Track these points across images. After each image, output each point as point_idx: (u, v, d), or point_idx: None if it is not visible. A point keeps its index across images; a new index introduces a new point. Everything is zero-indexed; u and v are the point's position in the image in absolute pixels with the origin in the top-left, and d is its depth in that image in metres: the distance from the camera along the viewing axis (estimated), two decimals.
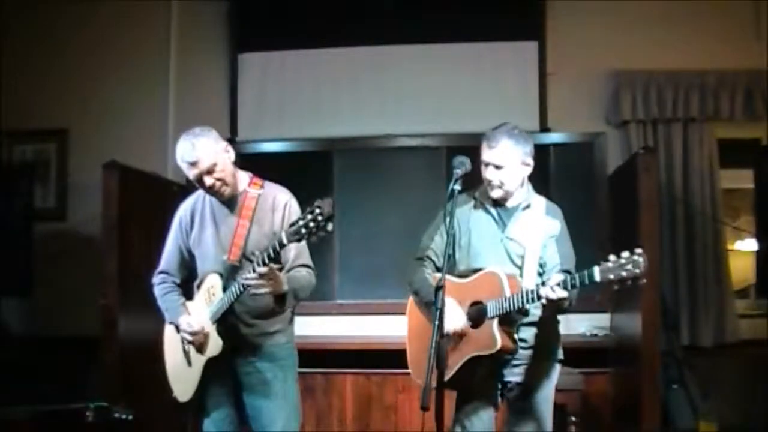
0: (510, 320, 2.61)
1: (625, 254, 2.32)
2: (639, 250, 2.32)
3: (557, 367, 2.81)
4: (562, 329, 4.39)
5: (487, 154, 2.71)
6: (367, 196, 4.67)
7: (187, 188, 4.82)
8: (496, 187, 2.71)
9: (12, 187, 4.41)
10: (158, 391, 4.37)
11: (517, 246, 2.73)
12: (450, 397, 2.60)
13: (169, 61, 5.02)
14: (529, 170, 2.76)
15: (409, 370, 2.89)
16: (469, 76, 4.77)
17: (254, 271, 2.54)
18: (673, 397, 4.23)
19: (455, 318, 2.61)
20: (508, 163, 2.69)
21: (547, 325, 2.76)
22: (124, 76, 5.02)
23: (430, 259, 2.83)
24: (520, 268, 2.70)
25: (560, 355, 2.82)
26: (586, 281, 2.38)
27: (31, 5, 5.06)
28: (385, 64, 4.87)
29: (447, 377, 2.40)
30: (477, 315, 2.62)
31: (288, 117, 4.92)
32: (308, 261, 2.83)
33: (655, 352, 3.87)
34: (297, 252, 2.78)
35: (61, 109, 5.03)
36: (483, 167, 2.74)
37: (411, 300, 2.91)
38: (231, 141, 4.85)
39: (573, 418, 3.94)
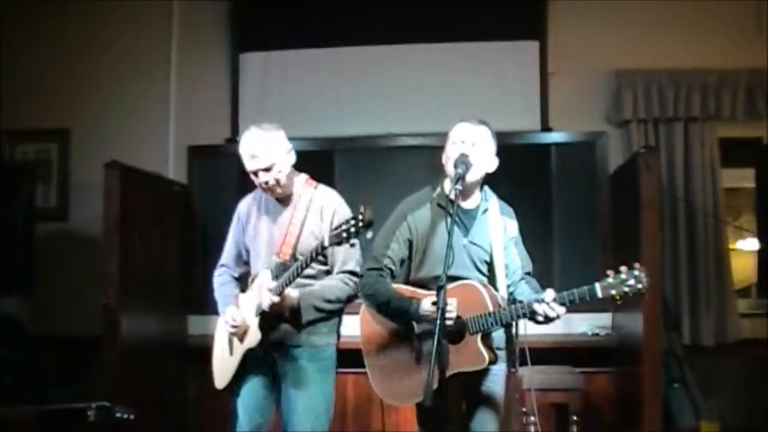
0: (489, 332, 2.56)
1: (624, 269, 2.33)
2: (638, 265, 2.33)
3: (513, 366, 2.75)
4: (563, 329, 4.48)
5: (465, 130, 2.64)
6: (368, 195, 4.58)
7: (188, 188, 4.87)
8: (461, 164, 2.56)
9: (14, 187, 4.40)
10: (159, 390, 4.41)
11: (481, 251, 2.66)
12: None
13: (171, 60, 5.02)
14: (493, 167, 2.69)
15: None
16: (471, 76, 4.77)
17: (293, 277, 2.61)
18: (675, 397, 4.23)
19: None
20: (483, 143, 2.63)
21: (507, 327, 2.68)
22: (125, 75, 5.02)
23: (389, 268, 2.69)
24: (487, 275, 2.64)
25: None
26: (587, 298, 2.37)
27: (33, 5, 5.07)
28: (386, 64, 4.87)
29: (428, 395, 2.23)
30: (457, 330, 2.50)
31: (289, 116, 4.89)
32: (353, 267, 2.83)
33: (657, 351, 3.87)
34: (345, 257, 2.81)
35: (63, 109, 5.03)
36: (451, 146, 2.65)
37: (363, 311, 2.80)
38: (232, 141, 4.87)
39: (575, 418, 3.94)
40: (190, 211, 4.87)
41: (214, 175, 4.88)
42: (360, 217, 2.38)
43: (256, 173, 2.81)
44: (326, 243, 2.49)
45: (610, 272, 2.35)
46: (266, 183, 2.81)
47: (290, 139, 4.79)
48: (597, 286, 2.36)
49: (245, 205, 3.02)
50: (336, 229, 2.44)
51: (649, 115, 4.64)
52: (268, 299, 2.65)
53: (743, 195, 4.86)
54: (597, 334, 4.45)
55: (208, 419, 4.57)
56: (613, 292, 2.33)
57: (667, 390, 4.18)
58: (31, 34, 5.08)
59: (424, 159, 4.51)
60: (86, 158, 4.88)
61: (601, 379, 4.41)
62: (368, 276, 2.71)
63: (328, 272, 2.86)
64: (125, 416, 3.35)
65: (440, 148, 2.73)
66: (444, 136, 2.72)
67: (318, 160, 4.80)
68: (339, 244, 2.47)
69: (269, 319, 2.75)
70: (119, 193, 4.06)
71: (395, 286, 2.72)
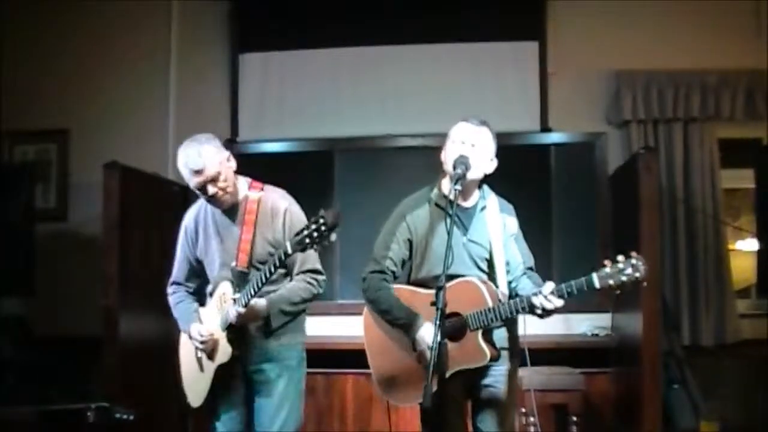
0: (490, 329, 2.56)
1: (621, 258, 2.32)
2: (635, 254, 2.32)
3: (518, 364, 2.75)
4: (563, 329, 4.48)
5: (466, 130, 2.63)
6: (367, 196, 4.67)
7: (187, 189, 4.86)
8: (460, 164, 2.55)
9: (13, 187, 4.41)
10: (158, 391, 4.40)
11: (480, 249, 2.66)
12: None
13: (170, 61, 5.02)
14: (492, 168, 2.68)
15: None
16: (470, 76, 4.78)
17: (258, 285, 2.57)
18: (675, 397, 4.23)
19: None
20: (482, 145, 2.62)
21: (510, 325, 2.68)
22: (125, 76, 5.03)
23: (390, 270, 2.70)
24: (487, 272, 2.65)
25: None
26: (585, 288, 2.36)
27: (32, 5, 5.07)
28: (385, 64, 4.87)
29: (427, 397, 2.19)
30: (457, 328, 2.52)
31: (289, 117, 4.92)
32: (313, 265, 2.82)
33: (657, 351, 3.87)
34: (303, 256, 2.76)
35: (62, 110, 5.04)
36: (451, 145, 2.64)
37: (366, 313, 2.81)
38: (232, 141, 4.86)
39: (574, 418, 3.94)
40: None
41: None
42: (322, 221, 2.31)
43: (202, 188, 2.72)
44: (289, 250, 2.42)
45: (607, 262, 2.34)
46: (214, 195, 2.73)
47: (290, 139, 4.90)
48: (594, 276, 2.35)
49: (191, 218, 2.93)
50: (298, 234, 2.36)
51: (649, 115, 4.64)
52: (234, 311, 2.62)
53: (743, 195, 4.87)
54: (597, 335, 4.45)
55: (206, 420, 4.56)
56: (611, 281, 2.32)
57: (666, 390, 4.18)
58: (31, 34, 5.08)
59: (424, 159, 4.50)
60: (86, 159, 4.88)
61: (600, 379, 4.40)
62: (371, 279, 2.72)
63: (287, 274, 2.82)
64: (124, 417, 3.36)
65: (440, 149, 2.73)
66: (443, 136, 2.72)
67: (318, 161, 4.83)
68: (303, 250, 2.40)
69: (236, 330, 2.73)
70: (119, 194, 4.06)
71: (397, 286, 2.73)
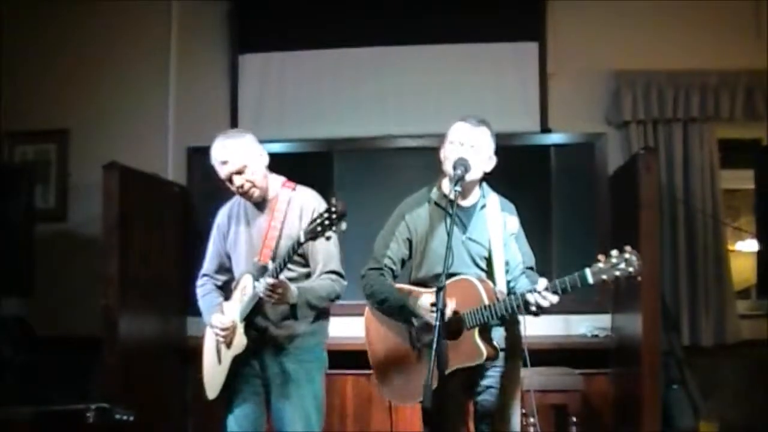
0: (487, 327, 2.56)
1: (615, 253, 2.31)
2: (628, 248, 2.31)
3: (520, 365, 2.74)
4: (563, 330, 4.49)
5: (465, 132, 2.62)
6: (367, 196, 4.66)
7: (187, 189, 4.87)
8: (460, 166, 2.54)
9: (13, 187, 4.41)
10: (159, 391, 4.41)
11: (479, 248, 2.66)
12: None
13: (170, 61, 5.02)
14: (491, 166, 2.68)
15: None
16: (470, 77, 4.77)
17: (274, 275, 2.58)
18: (674, 398, 4.23)
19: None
20: (482, 145, 2.62)
21: (511, 325, 2.68)
22: (124, 76, 5.02)
23: (389, 268, 2.72)
24: (486, 270, 2.65)
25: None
26: (579, 284, 2.35)
27: (31, 5, 5.07)
28: (385, 65, 4.87)
29: (427, 395, 2.19)
30: (454, 326, 2.53)
31: (288, 118, 4.91)
32: (336, 267, 2.83)
33: (656, 352, 3.87)
34: (326, 257, 2.79)
35: (62, 110, 5.03)
36: (449, 146, 2.63)
37: (367, 312, 2.83)
38: None
39: (574, 419, 3.95)
40: (189, 213, 4.86)
41: (213, 176, 4.87)
42: (333, 209, 2.34)
43: (230, 179, 2.79)
44: (302, 239, 2.45)
45: (601, 257, 2.33)
46: (241, 187, 2.79)
47: (290, 140, 4.90)
48: (587, 271, 2.34)
49: (224, 214, 3.00)
50: (310, 224, 2.40)
51: (649, 116, 4.64)
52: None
53: (742, 196, 4.87)
54: (596, 336, 4.46)
55: (206, 420, 4.56)
56: (604, 276, 2.31)
57: (666, 391, 4.18)
58: (31, 34, 5.08)
59: (424, 160, 4.50)
60: (85, 159, 4.88)
61: (600, 380, 4.41)
62: (368, 276, 2.73)
63: (308, 275, 2.83)
64: (124, 417, 3.35)
65: (439, 150, 2.73)
66: (443, 137, 2.72)
67: (317, 162, 4.83)
68: (314, 238, 2.41)
69: (254, 326, 2.76)
70: (118, 194, 4.06)
71: (396, 285, 2.73)
